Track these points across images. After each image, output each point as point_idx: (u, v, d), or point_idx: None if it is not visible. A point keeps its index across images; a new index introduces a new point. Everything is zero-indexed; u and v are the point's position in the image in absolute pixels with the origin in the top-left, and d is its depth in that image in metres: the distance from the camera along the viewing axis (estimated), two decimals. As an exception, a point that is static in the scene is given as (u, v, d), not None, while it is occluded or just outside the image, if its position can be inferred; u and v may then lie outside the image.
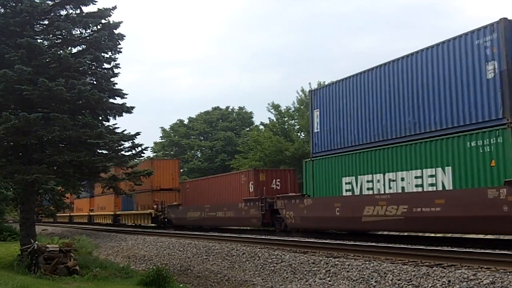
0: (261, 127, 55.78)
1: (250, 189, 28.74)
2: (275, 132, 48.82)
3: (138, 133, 22.82)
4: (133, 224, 44.12)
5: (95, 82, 21.54)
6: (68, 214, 63.28)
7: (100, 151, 22.05)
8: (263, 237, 22.15)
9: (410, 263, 12.65)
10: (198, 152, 68.97)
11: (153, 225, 40.50)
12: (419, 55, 17.84)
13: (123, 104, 22.08)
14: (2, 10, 20.72)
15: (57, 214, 62.71)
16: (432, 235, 19.34)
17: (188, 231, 30.89)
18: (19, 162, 20.15)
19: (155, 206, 39.18)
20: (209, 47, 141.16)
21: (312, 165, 22.97)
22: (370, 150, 19.62)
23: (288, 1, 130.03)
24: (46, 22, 21.50)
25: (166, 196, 39.88)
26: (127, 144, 22.95)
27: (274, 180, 28.85)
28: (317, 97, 23.22)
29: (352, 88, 20.91)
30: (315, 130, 23.13)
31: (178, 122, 73.94)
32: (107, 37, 21.22)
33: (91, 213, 55.20)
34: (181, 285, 15.73)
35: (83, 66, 20.51)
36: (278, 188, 28.62)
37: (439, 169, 16.60)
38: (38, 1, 20.47)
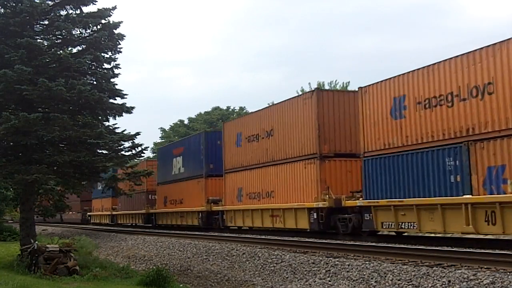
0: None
1: None
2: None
3: (138, 133, 22.91)
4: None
5: (95, 82, 21.59)
6: (148, 211, 37.39)
7: (100, 151, 22.11)
8: (263, 237, 22.14)
9: (410, 263, 12.64)
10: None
11: None
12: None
13: (123, 104, 22.14)
14: (2, 10, 20.76)
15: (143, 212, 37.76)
16: (432, 235, 19.31)
17: (189, 231, 30.20)
18: (19, 162, 20.18)
19: None
20: (210, 47, 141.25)
21: None
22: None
23: (290, 1, 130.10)
24: (46, 22, 21.54)
25: None
26: (127, 144, 23.07)
27: None
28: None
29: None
30: None
31: (178, 122, 73.96)
32: (107, 37, 21.27)
33: (226, 207, 26.84)
34: (181, 285, 15.72)
35: (83, 66, 20.56)
36: None
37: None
38: (38, 1, 20.50)
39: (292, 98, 22.31)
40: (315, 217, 20.17)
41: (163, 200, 34.81)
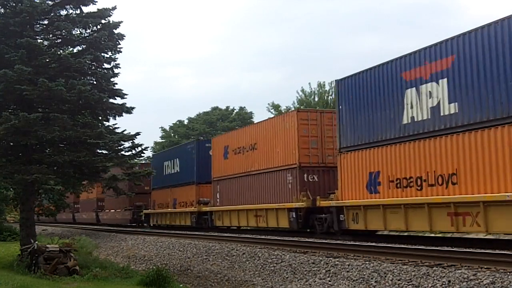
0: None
1: None
2: (275, 132, 48.40)
3: (138, 133, 22.93)
4: None
5: (95, 82, 21.61)
6: (306, 205, 20.69)
7: (100, 151, 22.13)
8: (263, 237, 22.14)
9: (410, 263, 12.64)
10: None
11: None
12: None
13: (123, 104, 22.16)
14: (2, 10, 20.77)
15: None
16: (432, 235, 19.32)
17: (188, 231, 30.06)
18: (19, 162, 20.19)
19: None
20: (211, 47, 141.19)
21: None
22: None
23: (290, 1, 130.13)
24: (46, 22, 21.55)
25: None
26: (127, 144, 23.09)
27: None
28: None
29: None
30: None
31: (177, 122, 73.98)
32: (107, 37, 21.28)
33: None
34: (181, 285, 15.73)
35: (83, 66, 20.56)
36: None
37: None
38: (38, 1, 20.51)
39: None
40: None
41: (368, 182, 18.12)
